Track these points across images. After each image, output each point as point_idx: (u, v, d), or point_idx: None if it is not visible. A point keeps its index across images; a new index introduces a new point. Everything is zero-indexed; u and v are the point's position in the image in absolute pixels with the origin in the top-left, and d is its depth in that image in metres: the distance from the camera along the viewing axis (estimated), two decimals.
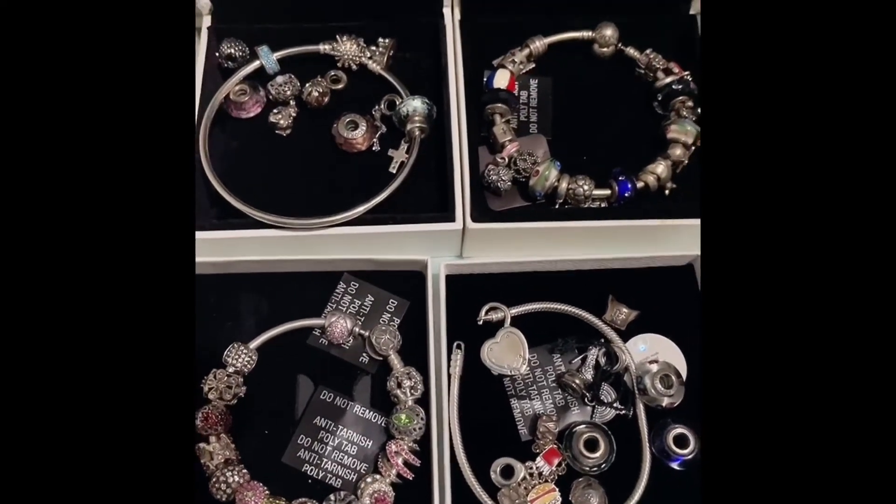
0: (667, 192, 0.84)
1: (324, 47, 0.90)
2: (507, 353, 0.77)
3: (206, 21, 0.94)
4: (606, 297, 0.81)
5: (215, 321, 0.80)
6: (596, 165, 0.85)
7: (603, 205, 0.84)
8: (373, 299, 0.81)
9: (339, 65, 0.91)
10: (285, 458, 0.74)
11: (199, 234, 0.79)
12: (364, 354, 0.79)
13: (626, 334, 0.80)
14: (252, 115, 0.90)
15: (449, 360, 0.77)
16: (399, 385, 0.74)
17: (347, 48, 0.89)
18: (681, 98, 0.87)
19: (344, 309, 0.81)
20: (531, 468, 0.73)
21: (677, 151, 0.84)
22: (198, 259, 0.78)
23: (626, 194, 0.82)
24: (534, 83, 0.93)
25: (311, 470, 0.73)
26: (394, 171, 0.86)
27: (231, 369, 0.74)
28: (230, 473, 0.69)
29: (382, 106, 0.90)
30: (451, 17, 0.94)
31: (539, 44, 0.91)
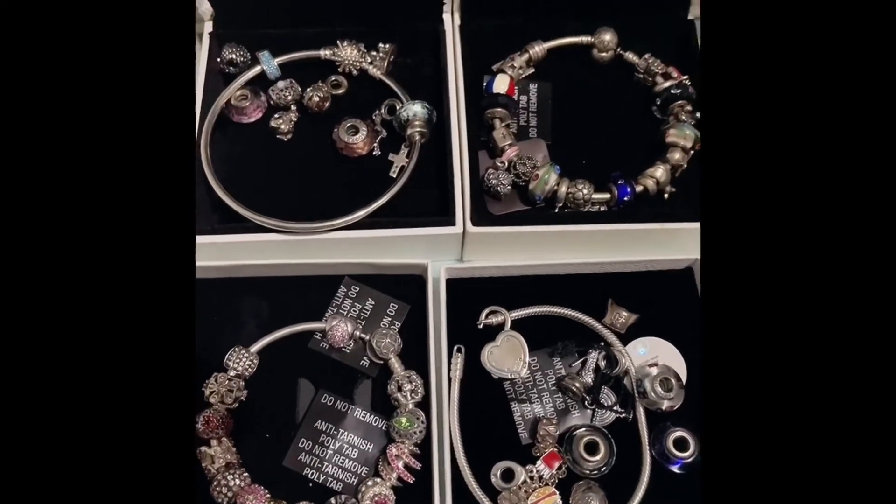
0: (666, 195, 0.85)
1: (325, 53, 0.90)
2: (507, 357, 0.78)
3: (208, 27, 0.95)
4: (606, 301, 0.82)
5: (217, 325, 0.80)
6: (595, 169, 0.85)
7: (602, 209, 0.84)
8: (373, 303, 0.82)
9: (339, 70, 0.91)
10: (286, 462, 0.74)
11: (200, 239, 0.79)
12: (365, 358, 0.79)
13: (626, 338, 0.80)
14: (253, 120, 0.90)
15: (449, 363, 0.77)
16: (399, 388, 0.74)
17: (348, 53, 0.90)
18: (680, 102, 0.88)
19: (345, 313, 0.81)
20: (531, 471, 0.73)
21: (676, 155, 0.84)
22: (199, 263, 0.78)
23: (626, 198, 0.83)
24: (533, 88, 0.93)
25: (312, 473, 0.74)
26: (394, 176, 0.86)
27: (232, 373, 0.74)
28: (231, 477, 0.69)
29: (383, 111, 0.90)
30: (451, 23, 0.95)
31: (538, 49, 0.91)
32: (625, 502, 0.72)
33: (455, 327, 0.78)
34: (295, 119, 0.89)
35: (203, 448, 0.71)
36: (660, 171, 0.84)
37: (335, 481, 0.73)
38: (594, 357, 0.78)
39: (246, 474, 0.70)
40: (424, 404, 0.75)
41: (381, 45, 0.92)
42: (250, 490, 0.69)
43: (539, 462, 0.73)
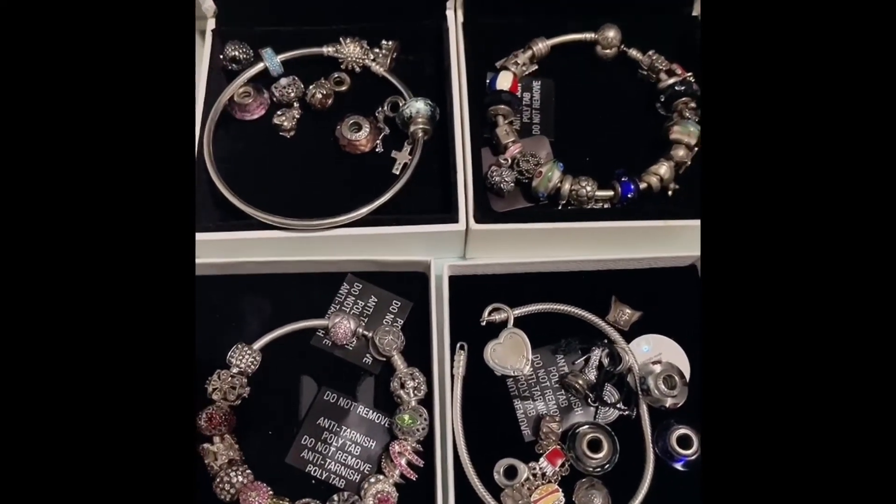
0: (670, 192, 0.85)
1: (327, 49, 0.90)
2: (510, 354, 0.78)
3: (211, 24, 0.95)
4: (610, 298, 0.81)
5: (220, 322, 0.80)
6: (599, 166, 0.85)
7: (606, 206, 0.84)
8: (376, 300, 0.82)
9: (342, 67, 0.91)
10: (289, 459, 0.74)
11: (203, 236, 0.79)
12: (367, 355, 0.79)
13: (630, 335, 0.80)
14: (256, 116, 0.90)
15: (452, 360, 0.77)
16: (402, 386, 0.74)
17: (351, 50, 0.90)
18: (683, 99, 0.87)
19: (347, 310, 0.81)
20: (534, 469, 0.73)
21: (680, 152, 0.84)
22: (202, 260, 0.79)
23: (629, 195, 0.82)
24: (537, 85, 0.93)
25: (315, 470, 0.74)
26: (397, 173, 0.86)
27: (235, 370, 0.74)
28: (234, 474, 0.69)
29: (386, 108, 0.90)
30: (454, 20, 0.95)
31: (542, 45, 0.91)
32: (628, 500, 0.72)
33: (458, 324, 0.78)
34: (298, 116, 0.89)
35: (206, 445, 0.71)
36: (663, 168, 0.83)
37: (338, 478, 0.73)
38: (597, 354, 0.78)
39: (249, 471, 0.70)
40: (427, 401, 0.75)
41: (384, 42, 0.92)
42: (253, 487, 0.69)
43: (542, 459, 0.73)
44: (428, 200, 0.85)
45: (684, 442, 0.73)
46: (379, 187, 0.81)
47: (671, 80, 0.89)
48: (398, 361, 0.76)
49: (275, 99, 0.90)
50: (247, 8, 0.95)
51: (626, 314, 0.80)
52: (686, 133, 0.84)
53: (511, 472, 0.73)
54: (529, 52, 0.91)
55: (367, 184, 0.84)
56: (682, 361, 0.78)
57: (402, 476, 0.72)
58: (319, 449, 0.74)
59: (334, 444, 0.75)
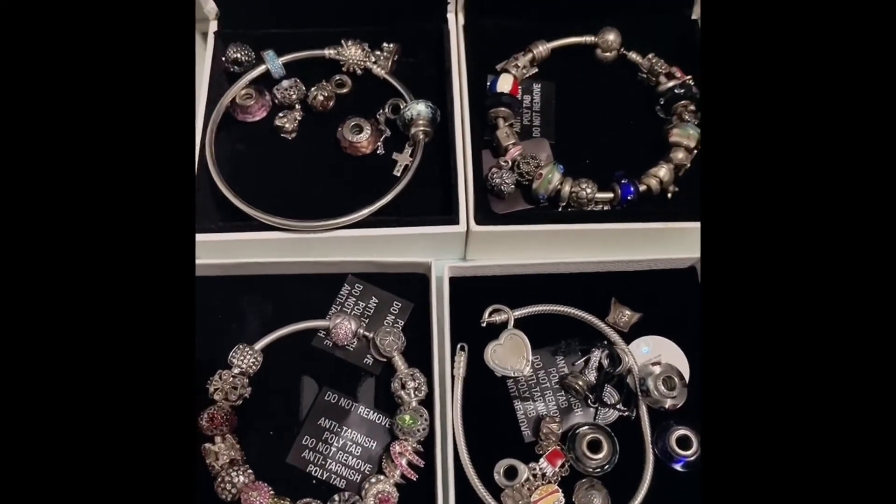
0: (669, 195, 0.85)
1: (329, 52, 0.91)
2: (510, 355, 0.78)
3: (213, 26, 0.95)
4: (609, 300, 0.82)
5: (221, 322, 0.80)
6: (599, 169, 0.86)
7: (606, 208, 0.84)
8: (377, 301, 0.82)
9: (343, 69, 0.91)
10: (290, 459, 0.74)
11: (205, 237, 0.79)
12: (368, 356, 0.79)
13: (629, 336, 0.80)
14: (258, 118, 0.90)
15: (453, 361, 0.77)
16: (403, 386, 0.75)
17: (352, 53, 0.90)
18: (683, 102, 0.88)
19: (348, 311, 0.81)
20: (534, 469, 0.73)
21: (679, 155, 0.85)
22: (204, 261, 0.79)
23: (629, 197, 0.83)
24: (537, 87, 0.93)
25: (316, 471, 0.74)
26: (398, 175, 0.87)
27: (236, 370, 0.74)
28: (235, 474, 0.69)
29: (387, 110, 0.91)
30: (455, 22, 0.95)
31: (542, 48, 0.92)
32: (627, 500, 0.72)
33: (458, 326, 0.78)
34: (299, 118, 0.90)
35: (207, 445, 0.71)
36: (663, 171, 0.84)
37: (339, 478, 0.74)
38: (597, 355, 0.78)
39: (250, 471, 0.70)
40: (428, 402, 0.75)
41: (385, 44, 0.92)
42: (254, 487, 0.69)
43: (542, 460, 0.73)
44: (429, 202, 0.85)
45: (684, 443, 0.74)
46: (380, 189, 0.82)
47: (671, 83, 0.89)
48: (399, 362, 0.76)
49: (276, 101, 0.90)
50: (248, 10, 0.95)
51: (626, 316, 0.81)
52: (685, 136, 0.85)
53: (511, 473, 0.73)
54: (530, 55, 0.91)
55: (368, 185, 0.85)
56: (681, 363, 0.79)
57: (402, 476, 0.72)
58: (320, 449, 0.75)
59: (335, 444, 0.75)
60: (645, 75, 0.93)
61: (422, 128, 0.85)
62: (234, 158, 0.88)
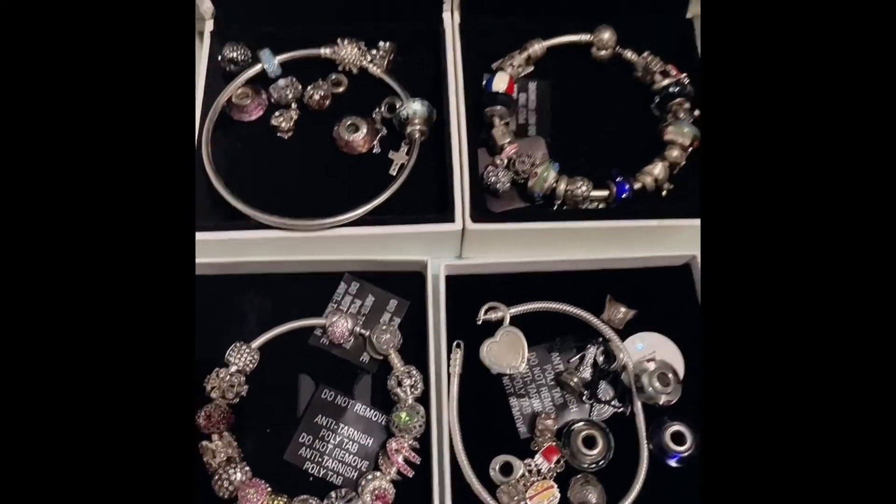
0: (664, 193, 0.85)
1: (325, 51, 0.91)
2: (506, 352, 0.78)
3: (209, 25, 0.96)
4: (604, 297, 0.82)
5: (218, 321, 0.80)
6: (594, 167, 0.86)
7: (601, 206, 0.85)
8: (373, 299, 0.82)
9: (339, 68, 0.92)
10: (287, 456, 0.75)
11: (202, 236, 0.80)
12: (365, 354, 0.79)
13: (624, 333, 0.81)
14: (254, 117, 0.91)
15: (449, 359, 0.77)
16: (399, 384, 0.75)
17: (348, 52, 0.90)
18: (678, 100, 0.88)
19: (345, 309, 0.82)
20: (530, 465, 0.74)
21: (674, 153, 0.85)
22: (201, 260, 0.79)
23: (624, 195, 0.83)
24: (532, 86, 0.94)
25: (313, 468, 0.74)
26: (394, 173, 0.87)
27: (233, 368, 0.75)
28: (232, 471, 0.70)
29: (383, 109, 0.91)
30: (451, 21, 0.95)
31: (538, 47, 0.92)
32: (622, 495, 0.72)
33: (454, 323, 0.78)
34: (295, 117, 0.90)
35: (205, 442, 0.71)
36: (658, 169, 0.84)
37: (335, 475, 0.74)
38: (592, 352, 0.79)
39: (247, 468, 0.71)
40: (424, 399, 0.75)
41: (381, 43, 0.92)
42: (251, 484, 0.70)
43: (538, 456, 0.74)
44: (425, 200, 0.85)
45: (678, 438, 0.74)
46: (376, 188, 0.82)
47: (666, 82, 0.89)
48: (395, 360, 0.77)
49: (273, 100, 0.91)
50: (245, 9, 0.95)
51: (621, 313, 0.81)
52: (680, 134, 0.85)
53: (507, 469, 0.73)
54: (525, 54, 0.92)
55: (364, 184, 0.85)
56: (675, 359, 0.79)
57: (399, 473, 0.72)
58: (317, 446, 0.75)
59: (332, 441, 0.75)
60: (640, 74, 0.93)
61: (418, 126, 0.85)
62: (230, 157, 0.88)
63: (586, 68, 0.95)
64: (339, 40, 0.91)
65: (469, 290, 0.82)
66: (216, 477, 0.70)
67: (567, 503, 0.72)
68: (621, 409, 0.76)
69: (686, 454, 0.74)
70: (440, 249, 0.86)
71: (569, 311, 0.81)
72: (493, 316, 0.80)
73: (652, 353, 0.79)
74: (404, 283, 0.83)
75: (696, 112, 0.88)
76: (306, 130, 0.90)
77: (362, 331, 0.79)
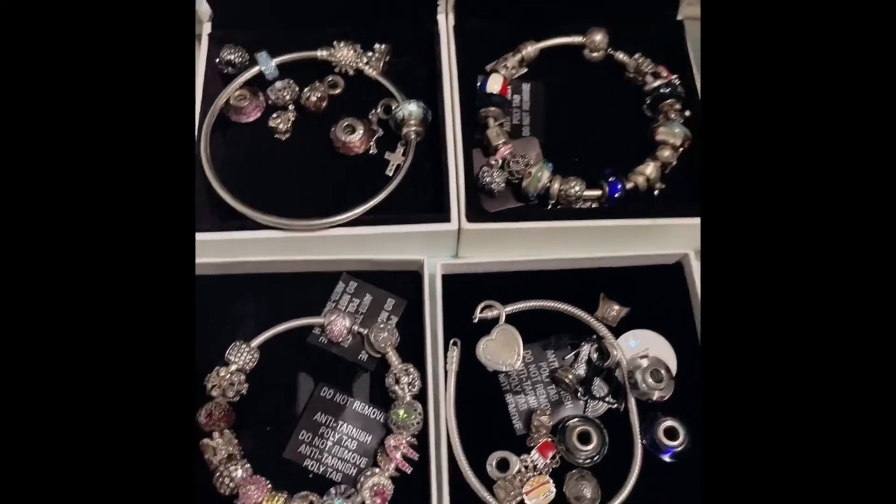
0: (655, 192, 0.86)
1: (321, 53, 0.91)
2: (502, 350, 0.79)
3: (207, 28, 0.96)
4: (598, 295, 0.83)
5: (218, 321, 0.81)
6: (587, 167, 0.87)
7: (594, 205, 0.86)
8: (371, 298, 0.83)
9: (336, 70, 0.92)
10: (287, 454, 0.75)
11: (201, 236, 0.80)
12: (363, 352, 0.80)
13: (618, 331, 0.82)
14: (252, 119, 0.91)
15: (445, 357, 0.78)
16: (397, 381, 0.76)
17: (344, 54, 0.91)
18: (669, 101, 0.89)
19: (343, 308, 0.82)
20: (526, 461, 0.74)
21: (666, 153, 0.86)
22: (200, 260, 0.80)
23: (617, 195, 0.84)
24: (526, 87, 0.95)
25: (312, 464, 0.75)
26: (390, 174, 0.88)
27: (233, 367, 0.76)
28: (233, 468, 0.70)
29: (379, 110, 0.91)
30: (446, 24, 0.96)
31: (531, 49, 0.93)
32: (617, 490, 0.73)
33: (451, 322, 0.79)
34: (293, 118, 0.90)
35: (205, 440, 0.72)
36: (650, 168, 0.85)
37: (335, 472, 0.75)
38: (586, 349, 0.80)
39: (248, 465, 0.72)
40: (421, 397, 0.76)
41: (376, 45, 0.93)
42: (252, 481, 0.70)
43: (533, 452, 0.75)
44: (421, 200, 0.86)
45: (671, 434, 0.75)
46: (373, 188, 0.83)
47: (657, 83, 0.90)
48: (393, 358, 0.78)
49: (270, 102, 0.91)
50: (242, 12, 0.96)
51: (614, 310, 0.82)
52: (671, 134, 0.86)
53: (503, 465, 0.74)
54: (519, 56, 0.92)
55: (361, 185, 0.86)
56: (668, 356, 0.80)
57: (397, 469, 0.73)
58: (316, 444, 0.76)
59: (331, 438, 0.76)
60: (632, 75, 0.94)
61: (413, 128, 0.86)
62: (228, 159, 0.88)
63: (579, 70, 0.96)
64: (335, 43, 0.91)
65: (465, 289, 0.83)
66: (217, 474, 0.70)
67: (562, 498, 0.73)
68: (615, 406, 0.77)
69: (679, 449, 0.75)
70: (436, 249, 0.87)
71: (563, 309, 0.82)
72: (488, 314, 0.81)
73: (645, 349, 0.80)
74: (401, 283, 0.84)
75: (687, 112, 0.89)
76: (303, 132, 0.91)
77: (360, 329, 0.79)
